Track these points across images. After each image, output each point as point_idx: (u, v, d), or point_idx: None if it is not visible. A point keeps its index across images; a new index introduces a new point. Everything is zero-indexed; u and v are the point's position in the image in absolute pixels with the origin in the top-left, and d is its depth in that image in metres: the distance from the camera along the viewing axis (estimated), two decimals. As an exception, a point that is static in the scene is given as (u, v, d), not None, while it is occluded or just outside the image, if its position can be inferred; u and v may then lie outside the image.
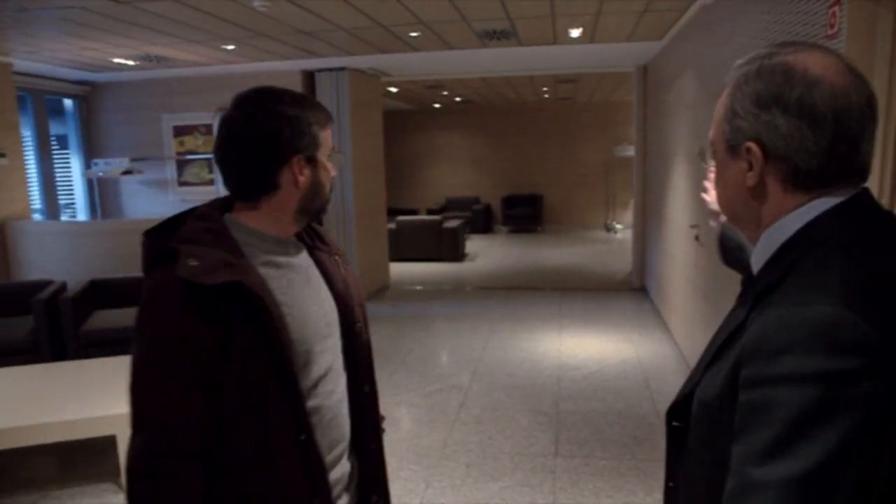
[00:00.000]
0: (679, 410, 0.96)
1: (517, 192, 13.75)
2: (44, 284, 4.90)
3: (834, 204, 0.82)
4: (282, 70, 6.81)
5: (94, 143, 7.61)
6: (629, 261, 8.35)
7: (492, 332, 6.02)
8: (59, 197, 7.16)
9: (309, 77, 7.07)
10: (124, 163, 7.13)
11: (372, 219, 7.72)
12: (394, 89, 9.99)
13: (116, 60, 6.31)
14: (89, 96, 7.53)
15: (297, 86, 6.83)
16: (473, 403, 4.32)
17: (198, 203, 1.27)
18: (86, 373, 3.84)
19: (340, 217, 7.09)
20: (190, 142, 7.39)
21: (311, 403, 1.22)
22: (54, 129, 7.18)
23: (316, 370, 1.24)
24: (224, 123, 1.19)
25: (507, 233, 13.50)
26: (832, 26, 2.36)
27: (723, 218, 1.36)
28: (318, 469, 1.22)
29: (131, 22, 4.73)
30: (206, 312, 1.10)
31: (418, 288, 8.18)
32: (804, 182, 0.82)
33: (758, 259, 0.89)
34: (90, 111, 7.59)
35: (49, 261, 5.83)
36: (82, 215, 7.57)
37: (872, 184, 2.22)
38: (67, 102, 7.42)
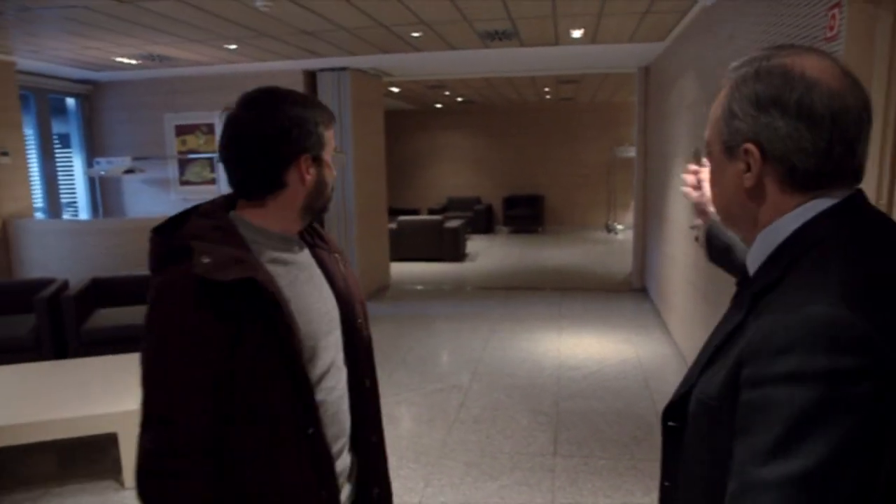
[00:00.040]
0: (675, 410, 0.96)
1: (518, 192, 13.75)
2: (46, 283, 4.91)
3: (830, 205, 0.83)
4: (284, 70, 6.83)
5: (97, 142, 7.63)
6: (629, 261, 8.35)
7: (492, 331, 6.03)
8: (62, 195, 7.19)
9: (311, 77, 7.08)
10: (126, 162, 7.15)
11: (373, 218, 7.73)
12: (395, 89, 10.01)
13: (119, 59, 6.33)
14: (92, 95, 7.55)
15: (298, 85, 6.84)
16: (473, 403, 4.34)
17: (199, 202, 1.28)
18: (87, 371, 3.86)
19: (342, 217, 7.11)
20: (192, 141, 7.41)
21: (316, 398, 1.24)
22: (57, 127, 7.20)
23: (320, 366, 1.26)
24: (232, 123, 1.20)
25: (507, 233, 13.50)
26: (832, 28, 2.37)
27: (714, 215, 1.38)
28: (326, 461, 1.24)
29: (134, 21, 4.75)
30: (218, 309, 1.11)
31: (419, 288, 8.19)
32: (802, 183, 0.83)
33: (754, 260, 0.90)
34: (92, 110, 7.61)
35: (51, 259, 5.85)
36: (84, 214, 7.59)
37: (870, 184, 2.23)
38: (70, 101, 7.44)
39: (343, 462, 1.34)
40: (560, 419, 4.04)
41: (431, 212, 13.24)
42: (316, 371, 1.25)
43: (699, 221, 1.42)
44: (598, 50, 6.46)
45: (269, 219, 1.24)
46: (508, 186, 13.83)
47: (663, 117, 6.48)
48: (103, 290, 5.05)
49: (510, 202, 13.64)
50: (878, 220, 0.85)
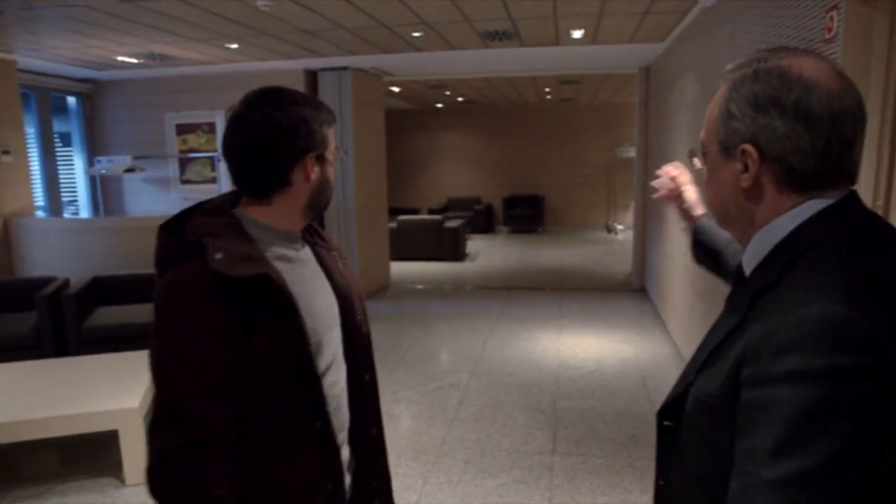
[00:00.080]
0: (671, 410, 0.97)
1: (518, 192, 13.77)
2: (47, 281, 4.93)
3: (826, 205, 0.83)
4: (285, 69, 6.84)
5: (98, 141, 7.65)
6: (629, 262, 8.37)
7: (491, 331, 6.04)
8: (62, 194, 7.20)
9: (312, 76, 7.10)
10: (127, 160, 7.17)
11: (373, 218, 7.74)
12: (396, 89, 10.02)
13: (120, 58, 6.34)
14: (93, 94, 7.57)
15: (299, 85, 6.86)
16: (472, 401, 4.35)
17: (199, 201, 1.30)
18: (88, 368, 3.88)
19: (342, 216, 7.12)
20: (192, 140, 7.42)
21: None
22: (58, 126, 7.22)
23: (324, 361, 1.29)
24: (238, 122, 1.22)
25: (508, 233, 13.52)
26: (830, 30, 2.38)
27: (703, 217, 1.39)
28: (333, 454, 1.27)
29: (135, 20, 4.76)
30: (232, 304, 1.13)
31: (419, 287, 8.20)
32: (799, 183, 0.84)
33: (750, 260, 0.91)
34: (93, 109, 7.62)
35: (52, 257, 5.87)
36: (85, 212, 7.61)
37: (867, 185, 2.25)
38: (71, 100, 7.46)
39: (344, 455, 1.36)
40: (558, 418, 4.05)
41: (432, 211, 13.26)
42: (320, 366, 1.27)
43: (684, 225, 1.44)
44: (598, 50, 6.47)
45: (275, 216, 1.26)
46: (509, 186, 13.84)
47: (664, 118, 6.50)
48: (104, 289, 5.07)
49: (510, 202, 13.65)
50: (872, 221, 0.86)
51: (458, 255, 9.94)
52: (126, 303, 4.98)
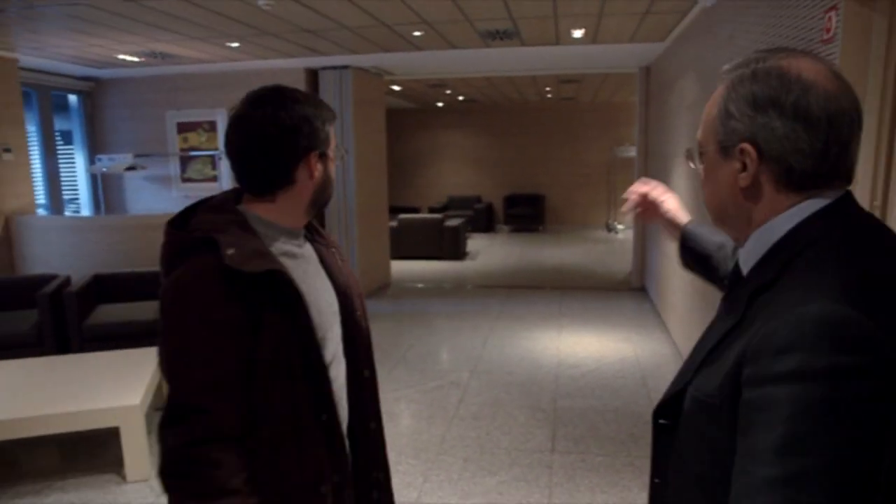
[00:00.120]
0: (667, 408, 0.97)
1: (519, 191, 13.78)
2: (48, 279, 4.94)
3: (823, 205, 0.84)
4: (285, 68, 6.85)
5: (99, 139, 7.66)
6: (629, 261, 8.38)
7: (492, 329, 6.05)
8: (64, 192, 7.21)
9: (312, 75, 7.11)
10: (128, 159, 7.18)
11: (374, 217, 7.75)
12: (397, 88, 10.02)
13: (121, 57, 6.35)
14: (94, 92, 7.58)
15: (300, 83, 6.87)
16: (472, 400, 4.36)
17: (200, 199, 1.31)
18: (89, 365, 3.89)
19: (343, 214, 7.13)
20: (193, 138, 7.44)
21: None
22: (59, 124, 7.23)
23: (327, 356, 1.31)
24: (241, 121, 1.23)
25: (508, 232, 13.52)
26: (828, 30, 2.39)
27: (689, 223, 1.40)
28: (339, 446, 1.30)
29: (136, 19, 4.77)
30: (243, 299, 1.15)
31: (419, 286, 8.21)
32: (798, 183, 0.84)
33: (747, 259, 0.91)
34: (95, 107, 7.63)
35: (53, 255, 5.88)
36: (86, 211, 7.62)
37: (865, 185, 2.26)
38: (72, 98, 7.47)
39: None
40: (558, 416, 4.07)
41: (432, 210, 13.27)
42: (325, 361, 1.29)
43: (670, 237, 1.45)
44: (598, 50, 6.48)
45: (279, 213, 1.28)
46: (509, 185, 13.85)
47: (664, 117, 6.50)
48: (105, 287, 5.08)
49: (511, 201, 13.66)
50: (868, 222, 0.86)
51: (458, 253, 9.95)
52: (127, 301, 4.99)
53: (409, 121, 13.85)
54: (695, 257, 1.37)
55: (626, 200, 1.48)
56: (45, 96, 6.83)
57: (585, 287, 7.92)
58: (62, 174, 7.18)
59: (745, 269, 0.92)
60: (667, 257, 6.01)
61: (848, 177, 0.86)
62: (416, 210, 13.48)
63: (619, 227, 12.83)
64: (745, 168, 0.87)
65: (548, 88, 10.87)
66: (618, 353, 5.32)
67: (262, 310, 1.16)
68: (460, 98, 12.34)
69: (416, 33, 5.60)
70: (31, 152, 6.43)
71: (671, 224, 1.43)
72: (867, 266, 0.78)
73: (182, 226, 1.22)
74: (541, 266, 9.55)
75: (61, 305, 4.59)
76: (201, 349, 1.13)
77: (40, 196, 6.73)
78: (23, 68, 6.22)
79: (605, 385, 4.58)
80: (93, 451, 3.66)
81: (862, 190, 2.27)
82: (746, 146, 0.85)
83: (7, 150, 5.89)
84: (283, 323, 1.18)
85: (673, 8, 4.83)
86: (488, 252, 10.86)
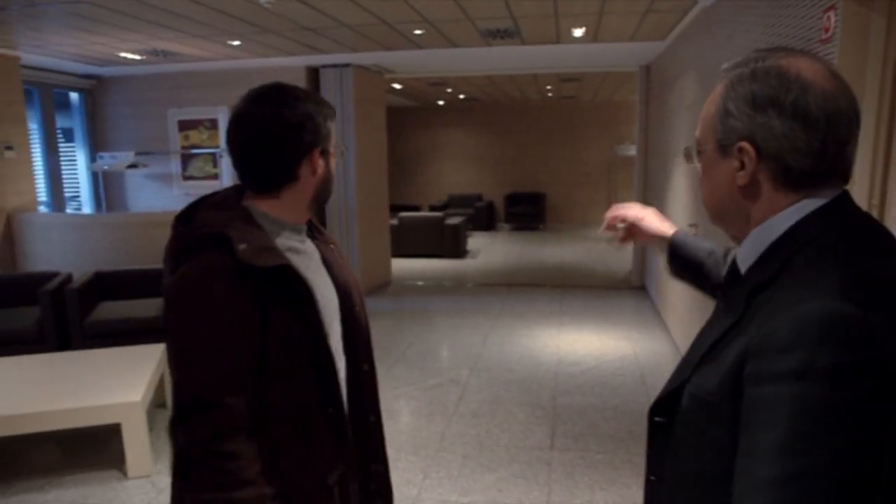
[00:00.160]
0: (663, 406, 0.98)
1: (520, 189, 13.79)
2: (50, 276, 4.96)
3: (821, 204, 0.85)
4: (286, 66, 6.86)
5: (100, 137, 7.67)
6: (630, 260, 8.39)
7: (492, 327, 6.07)
8: (65, 190, 7.23)
9: (313, 73, 7.11)
10: (129, 156, 7.20)
11: (374, 215, 7.76)
12: (398, 86, 10.03)
13: (123, 55, 6.36)
14: (95, 90, 7.59)
15: (301, 81, 6.88)
16: (472, 397, 4.38)
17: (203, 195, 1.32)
18: (90, 362, 3.91)
19: (343, 213, 7.14)
20: (195, 136, 7.45)
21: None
22: (60, 122, 7.24)
23: None
24: (244, 118, 1.24)
25: (509, 230, 13.54)
26: (827, 30, 2.40)
27: (676, 234, 1.40)
28: (345, 439, 1.32)
29: (138, 17, 4.79)
30: (254, 293, 1.16)
31: (420, 284, 8.23)
32: (796, 182, 0.85)
33: (745, 258, 0.91)
34: (96, 105, 7.65)
35: (54, 253, 5.90)
36: (87, 208, 7.63)
37: (863, 184, 2.27)
38: (74, 96, 7.48)
39: None
40: (557, 414, 4.08)
41: (433, 208, 13.28)
42: (333, 355, 1.31)
43: (658, 250, 1.46)
44: (599, 48, 6.49)
45: (282, 210, 1.29)
46: (510, 184, 13.86)
47: (664, 116, 6.51)
48: (106, 284, 5.10)
49: (512, 199, 13.66)
50: (865, 222, 0.87)
51: (459, 252, 9.96)
52: (128, 298, 5.01)
53: (410, 119, 13.85)
54: (685, 266, 1.37)
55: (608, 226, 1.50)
56: (47, 94, 6.85)
57: (586, 285, 7.93)
58: (64, 172, 7.19)
59: (742, 268, 0.92)
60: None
61: (845, 176, 0.87)
62: (416, 208, 13.49)
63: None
64: (743, 166, 0.87)
65: (548, 87, 10.87)
66: (617, 351, 5.34)
67: (271, 305, 1.18)
68: (461, 96, 12.35)
69: (417, 32, 5.61)
70: (33, 150, 6.44)
71: (657, 237, 1.43)
72: (865, 265, 0.79)
73: (186, 222, 1.23)
74: (541, 264, 9.56)
75: (63, 302, 4.60)
76: (213, 344, 1.14)
77: (42, 193, 6.74)
78: (25, 66, 6.23)
79: (604, 383, 4.60)
80: (94, 447, 3.67)
81: (860, 189, 2.28)
82: (745, 145, 0.86)
83: (9, 148, 5.90)
84: (291, 318, 1.20)
85: (673, 7, 4.84)
86: (489, 250, 10.87)
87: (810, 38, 2.56)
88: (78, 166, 7.57)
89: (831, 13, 2.36)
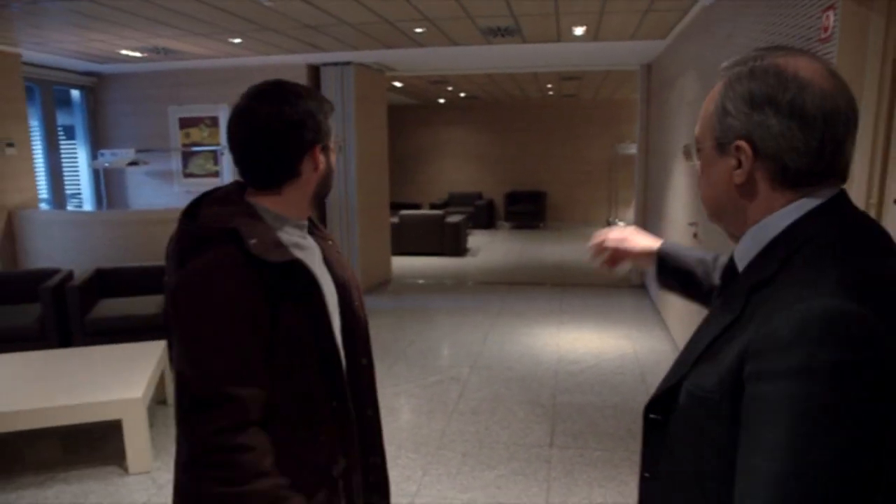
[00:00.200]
0: (659, 404, 0.97)
1: (520, 188, 13.79)
2: (51, 273, 4.97)
3: (818, 203, 0.85)
4: (287, 64, 6.86)
5: (101, 134, 7.68)
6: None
7: (492, 325, 6.08)
8: (66, 187, 7.24)
9: (314, 71, 7.12)
10: (130, 154, 7.20)
11: (375, 213, 7.77)
12: (398, 84, 10.03)
13: (124, 52, 6.37)
14: (96, 87, 7.60)
15: (302, 79, 6.85)
16: (472, 395, 4.39)
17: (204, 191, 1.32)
18: (91, 359, 3.92)
19: (344, 211, 7.15)
20: (195, 133, 7.45)
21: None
22: (61, 119, 7.24)
23: None
24: (245, 115, 1.24)
25: (509, 228, 13.54)
26: (826, 29, 2.41)
27: (663, 246, 1.42)
28: (349, 432, 1.33)
29: (138, 14, 4.79)
30: (263, 288, 1.17)
31: (420, 282, 8.24)
32: (793, 181, 0.85)
33: (743, 256, 0.92)
34: (97, 102, 7.65)
35: (55, 250, 5.91)
36: (88, 205, 7.64)
37: (861, 182, 2.28)
38: (75, 93, 7.48)
39: None
40: (557, 412, 4.09)
41: (433, 207, 13.28)
42: (338, 349, 1.33)
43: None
44: (599, 47, 6.49)
45: (285, 206, 1.31)
46: (510, 182, 13.86)
47: (664, 115, 6.51)
48: (107, 281, 5.11)
49: (512, 198, 13.67)
50: (862, 221, 0.87)
51: (459, 250, 9.97)
52: (129, 295, 5.02)
53: (411, 117, 13.85)
54: (675, 275, 1.38)
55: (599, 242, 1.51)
56: (48, 91, 6.85)
57: (586, 284, 7.94)
58: (64, 169, 7.20)
59: (740, 266, 0.92)
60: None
61: (843, 175, 0.87)
62: (417, 206, 13.49)
63: (620, 224, 12.82)
64: (740, 165, 0.87)
65: (549, 85, 10.87)
66: (617, 349, 5.35)
67: (280, 299, 1.19)
68: (462, 95, 12.35)
69: (418, 30, 5.61)
70: (34, 147, 6.45)
71: (644, 254, 1.45)
72: (863, 265, 0.79)
73: (192, 218, 1.24)
74: (541, 263, 9.57)
75: (64, 299, 4.62)
76: (225, 337, 1.14)
77: (43, 191, 6.75)
78: (25, 63, 6.24)
79: (603, 381, 4.61)
80: (95, 443, 3.69)
81: (858, 188, 2.29)
82: (742, 143, 0.86)
83: (10, 145, 5.91)
84: (299, 312, 1.22)
85: (674, 6, 4.84)
86: (489, 248, 10.88)
87: (809, 37, 2.56)
88: (79, 163, 7.58)
89: (830, 12, 2.37)
